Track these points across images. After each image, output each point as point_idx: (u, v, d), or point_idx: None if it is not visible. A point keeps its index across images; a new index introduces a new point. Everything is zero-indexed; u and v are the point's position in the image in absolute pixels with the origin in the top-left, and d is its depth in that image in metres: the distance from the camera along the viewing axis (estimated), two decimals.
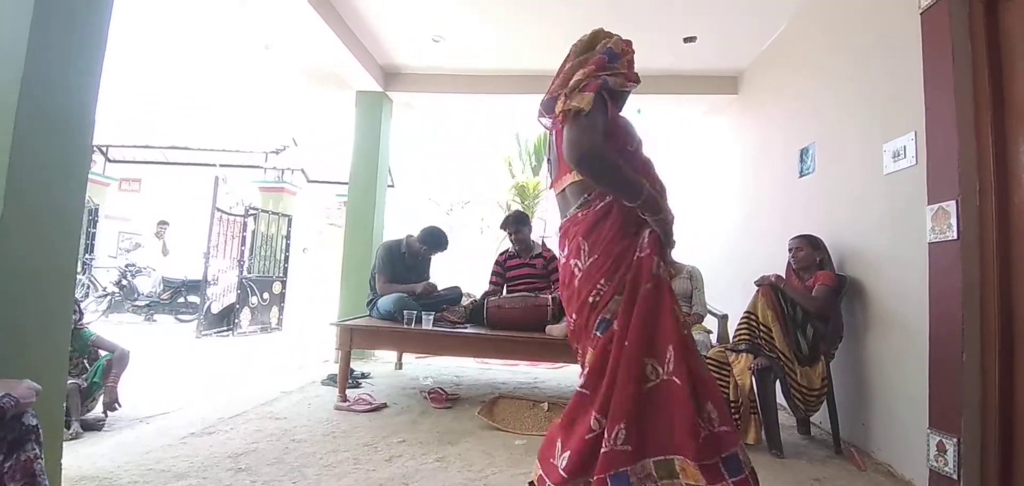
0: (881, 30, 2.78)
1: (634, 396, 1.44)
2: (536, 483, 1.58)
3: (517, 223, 4.10)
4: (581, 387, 1.54)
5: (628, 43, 1.71)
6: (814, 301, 2.82)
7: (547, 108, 1.73)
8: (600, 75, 1.56)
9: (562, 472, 1.46)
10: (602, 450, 1.41)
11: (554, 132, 1.72)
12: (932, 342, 2.27)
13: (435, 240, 4.11)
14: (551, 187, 1.82)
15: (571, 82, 1.57)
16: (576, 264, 1.59)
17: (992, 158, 2.09)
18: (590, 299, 1.55)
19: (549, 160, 1.81)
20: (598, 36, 1.71)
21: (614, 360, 1.47)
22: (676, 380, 1.45)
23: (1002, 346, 2.04)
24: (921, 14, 2.36)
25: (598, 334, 1.53)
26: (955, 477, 2.09)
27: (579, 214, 1.62)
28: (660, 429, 1.43)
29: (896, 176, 2.60)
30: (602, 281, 1.54)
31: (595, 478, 1.41)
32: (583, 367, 1.60)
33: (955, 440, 2.10)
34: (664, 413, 1.44)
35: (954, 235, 2.15)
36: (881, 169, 2.70)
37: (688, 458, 1.39)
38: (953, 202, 2.16)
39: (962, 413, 2.08)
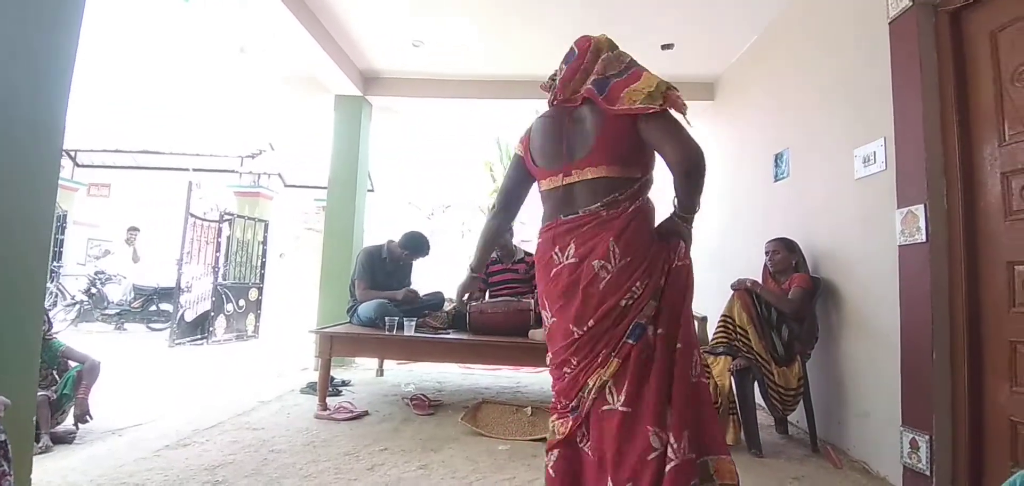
0: (851, 39, 2.86)
1: (690, 400, 1.41)
2: None
3: None
4: (623, 406, 1.41)
5: None
6: (789, 303, 2.88)
7: (600, 88, 1.52)
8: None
9: None
10: (672, 464, 1.33)
11: (601, 114, 1.52)
12: (903, 341, 2.34)
13: (417, 245, 4.09)
14: (555, 174, 1.60)
15: (655, 80, 1.47)
16: (602, 266, 1.46)
17: (958, 162, 2.17)
18: (622, 303, 1.45)
19: (566, 148, 1.58)
20: (610, 40, 1.63)
21: (663, 366, 1.42)
22: (704, 380, 1.51)
23: (970, 344, 2.12)
24: (890, 24, 2.44)
25: (631, 341, 1.44)
26: (928, 473, 2.16)
27: (604, 213, 1.49)
28: (706, 425, 1.44)
29: (867, 181, 2.68)
30: (638, 285, 1.45)
31: None
32: (571, 381, 1.51)
33: (927, 437, 2.16)
34: (700, 414, 1.44)
35: (923, 237, 2.22)
36: (852, 174, 2.78)
37: (723, 455, 1.44)
38: (921, 205, 2.23)
39: (933, 410, 2.15)
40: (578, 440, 1.52)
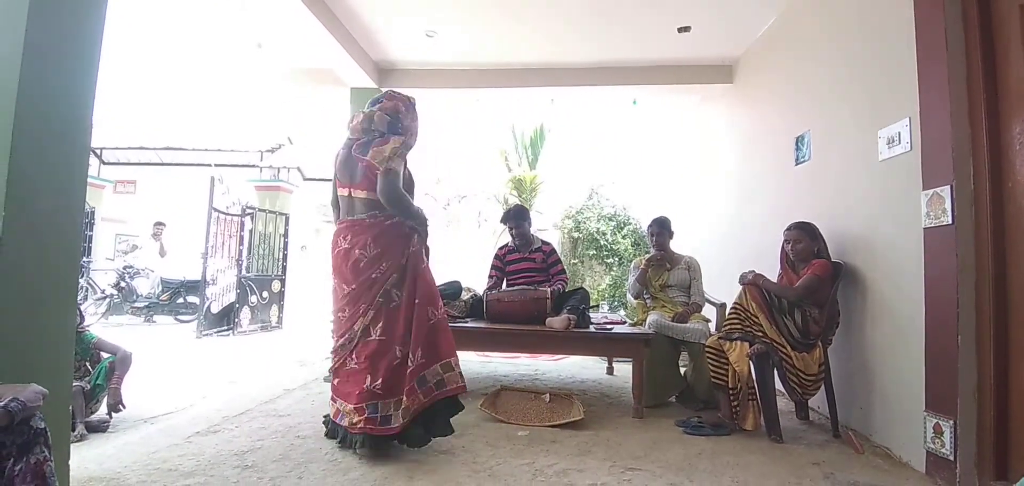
0: (874, 16, 2.79)
1: (428, 330, 2.38)
2: (334, 416, 2.49)
3: (518, 217, 4.11)
4: (379, 336, 2.34)
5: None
6: (794, 292, 2.85)
7: (363, 149, 2.45)
8: (400, 149, 2.45)
9: (377, 390, 2.29)
10: (410, 368, 2.31)
11: (357, 156, 2.48)
12: (928, 326, 2.30)
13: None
14: (344, 187, 2.57)
15: (388, 150, 2.39)
16: (362, 252, 2.39)
17: (986, 143, 2.12)
18: (372, 275, 2.37)
19: (349, 173, 2.55)
20: (381, 112, 2.54)
21: (406, 313, 2.36)
22: (442, 320, 2.47)
23: (997, 328, 2.08)
24: None
25: (380, 300, 2.36)
26: (952, 458, 2.13)
27: (367, 220, 2.44)
28: (440, 346, 2.40)
29: (891, 162, 2.62)
30: (384, 265, 2.37)
31: (406, 387, 2.30)
32: (345, 323, 2.43)
33: (951, 422, 2.13)
34: (441, 337, 2.42)
35: (949, 220, 2.17)
36: (876, 155, 2.72)
37: (453, 359, 2.42)
38: (948, 187, 2.18)
39: (958, 395, 2.12)
40: (347, 363, 2.43)
